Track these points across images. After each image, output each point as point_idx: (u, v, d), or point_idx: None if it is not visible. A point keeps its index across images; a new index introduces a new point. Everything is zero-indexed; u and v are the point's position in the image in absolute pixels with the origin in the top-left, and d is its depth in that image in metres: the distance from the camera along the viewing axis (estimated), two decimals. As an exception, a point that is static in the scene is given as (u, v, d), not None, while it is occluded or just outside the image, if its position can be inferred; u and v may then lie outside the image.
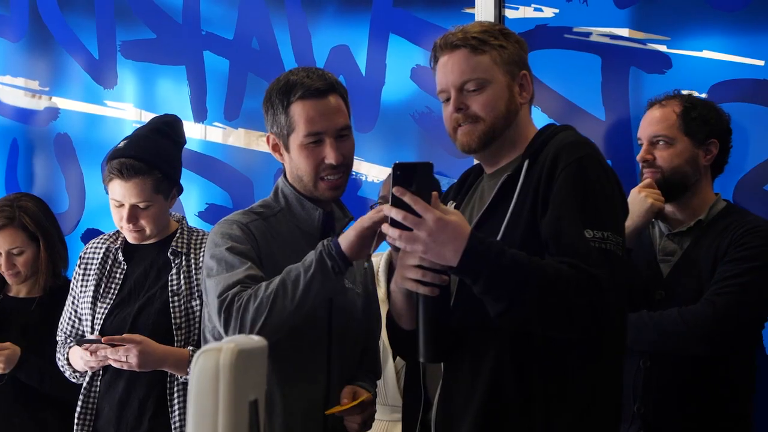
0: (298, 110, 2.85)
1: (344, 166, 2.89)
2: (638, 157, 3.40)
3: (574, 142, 2.59)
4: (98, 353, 3.47)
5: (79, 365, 3.61)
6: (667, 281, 3.35)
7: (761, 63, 3.70)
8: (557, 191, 2.50)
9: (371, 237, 2.62)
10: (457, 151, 3.89)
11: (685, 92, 3.47)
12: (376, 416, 3.58)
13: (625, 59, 3.94)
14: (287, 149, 2.90)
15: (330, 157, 2.84)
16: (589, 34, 4.00)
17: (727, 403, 3.29)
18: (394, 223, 2.38)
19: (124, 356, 3.44)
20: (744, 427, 3.35)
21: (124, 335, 3.46)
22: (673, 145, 3.36)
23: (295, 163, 2.89)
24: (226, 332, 2.67)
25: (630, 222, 3.24)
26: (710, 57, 3.80)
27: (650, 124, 3.41)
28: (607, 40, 3.98)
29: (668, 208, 3.38)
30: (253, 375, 2.09)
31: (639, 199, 3.31)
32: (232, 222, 2.88)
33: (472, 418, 2.53)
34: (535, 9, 4.07)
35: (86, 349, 3.49)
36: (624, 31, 3.94)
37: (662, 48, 3.87)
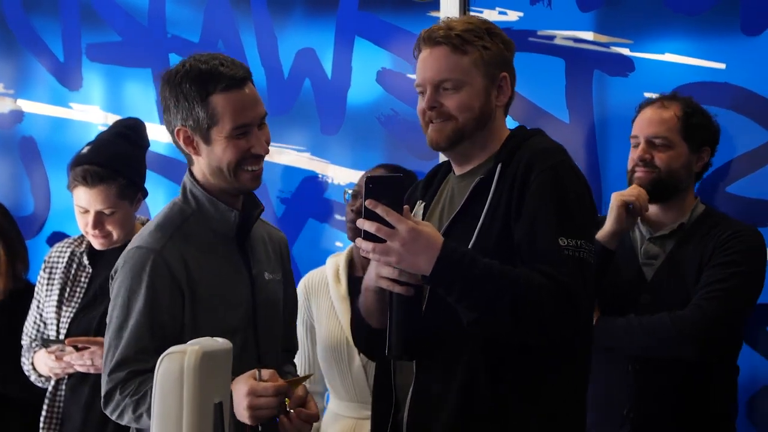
0: (221, 102, 2.73)
1: (265, 154, 2.82)
2: (636, 156, 3.39)
3: (548, 149, 2.61)
4: (63, 359, 3.46)
5: (44, 370, 3.60)
6: (652, 285, 3.36)
7: (722, 66, 3.73)
8: (531, 198, 2.50)
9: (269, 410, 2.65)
10: (422, 153, 3.92)
11: (661, 94, 3.50)
12: (345, 413, 3.60)
13: (588, 62, 3.95)
14: (207, 142, 2.77)
15: (257, 148, 2.77)
16: (553, 37, 4.02)
17: (713, 405, 3.32)
18: (367, 236, 2.40)
19: (89, 360, 3.43)
20: (728, 428, 3.39)
21: (88, 337, 3.46)
22: (672, 148, 3.37)
23: (216, 156, 2.76)
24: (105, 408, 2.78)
25: (607, 224, 3.27)
26: (672, 60, 3.82)
27: (650, 124, 3.41)
28: (570, 43, 4.00)
29: (651, 210, 3.40)
30: (218, 377, 2.10)
31: (613, 199, 3.33)
32: (147, 255, 2.77)
33: (445, 421, 2.54)
34: (500, 12, 4.09)
35: (51, 353, 3.48)
36: (588, 35, 3.96)
37: (625, 51, 3.89)
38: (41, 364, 3.59)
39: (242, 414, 2.58)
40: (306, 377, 2.83)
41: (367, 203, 2.39)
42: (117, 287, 2.79)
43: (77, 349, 3.46)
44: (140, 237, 2.84)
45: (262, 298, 2.88)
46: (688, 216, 3.40)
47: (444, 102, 2.63)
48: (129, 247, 2.83)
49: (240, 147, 2.76)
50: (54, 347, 3.49)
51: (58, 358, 3.47)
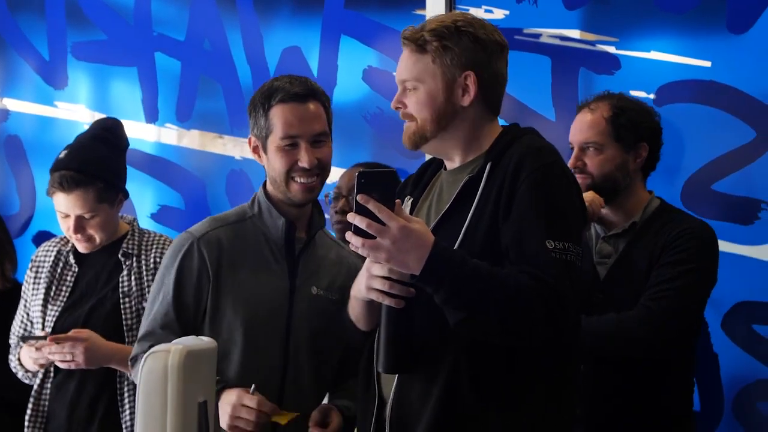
0: (278, 113, 2.92)
1: (318, 169, 2.93)
2: (568, 164, 3.36)
3: (538, 149, 2.57)
4: (44, 350, 3.45)
5: (29, 365, 3.59)
6: (604, 283, 3.35)
7: (708, 64, 3.74)
8: (520, 198, 2.48)
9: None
10: (408, 152, 3.91)
11: (614, 93, 3.46)
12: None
13: (574, 60, 3.96)
14: (265, 151, 2.96)
15: (303, 161, 2.90)
16: (539, 35, 4.02)
17: (668, 404, 3.29)
18: (358, 231, 2.38)
19: (69, 354, 3.42)
20: (686, 427, 3.37)
21: (70, 332, 3.45)
22: (602, 152, 3.35)
23: (271, 164, 2.95)
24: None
25: None
26: (658, 58, 3.83)
27: (580, 130, 3.40)
28: (556, 41, 4.00)
29: (603, 210, 3.38)
30: (202, 376, 2.10)
31: None
32: (188, 238, 2.98)
33: (427, 422, 2.54)
34: (486, 11, 4.09)
35: (31, 346, 3.48)
36: (573, 33, 3.97)
37: (611, 49, 3.90)
38: (26, 358, 3.58)
39: (223, 420, 2.72)
40: (295, 415, 2.84)
41: (359, 198, 2.36)
42: (161, 264, 3.02)
43: (58, 343, 3.45)
44: (196, 224, 3.05)
45: (300, 310, 2.95)
46: (640, 214, 3.38)
47: (406, 102, 2.64)
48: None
49: (287, 158, 2.92)
50: (35, 343, 3.47)
51: (39, 350, 3.46)
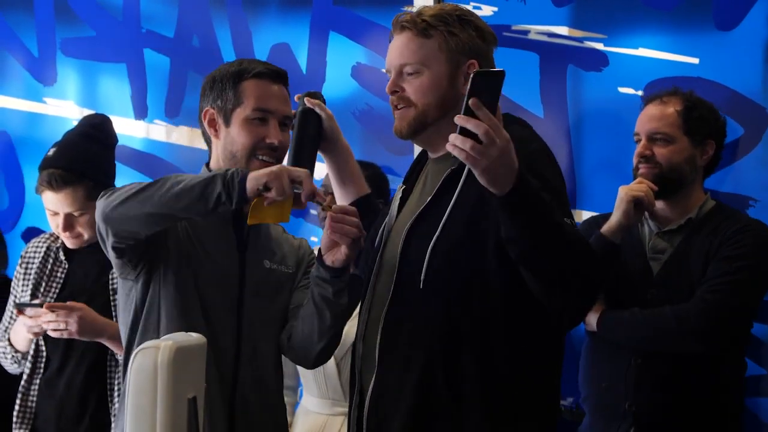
0: (251, 86, 2.82)
1: (281, 152, 2.84)
2: (637, 152, 3.39)
3: (520, 139, 2.55)
4: (38, 318, 3.45)
5: (22, 338, 3.58)
6: (658, 279, 3.37)
7: (695, 61, 3.75)
8: None
9: (279, 184, 2.55)
10: (397, 149, 3.93)
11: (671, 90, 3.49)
12: (317, 410, 3.60)
13: (563, 57, 3.97)
14: (227, 123, 2.83)
15: (272, 137, 2.80)
16: (527, 32, 4.03)
17: (718, 401, 3.32)
18: (465, 132, 2.30)
19: (63, 322, 3.42)
20: (735, 426, 3.39)
21: (66, 303, 3.46)
22: (672, 143, 3.38)
23: (232, 138, 2.81)
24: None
25: (614, 218, 3.28)
26: (646, 55, 3.84)
27: (650, 120, 3.41)
28: (545, 38, 4.01)
29: (658, 205, 3.39)
30: (192, 372, 2.10)
31: (620, 194, 3.33)
32: None
33: (401, 419, 2.54)
34: (474, 7, 4.08)
35: (27, 314, 3.47)
36: (562, 30, 3.97)
37: (599, 46, 3.91)
38: (19, 330, 3.56)
39: (258, 173, 2.57)
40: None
41: (471, 103, 2.28)
42: None
43: (54, 313, 3.45)
44: None
45: (253, 282, 2.84)
46: (696, 211, 3.40)
47: (405, 87, 2.63)
48: None
49: (255, 132, 2.80)
50: (30, 311, 3.47)
51: (33, 317, 3.46)
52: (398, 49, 2.65)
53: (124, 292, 2.84)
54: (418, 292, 2.56)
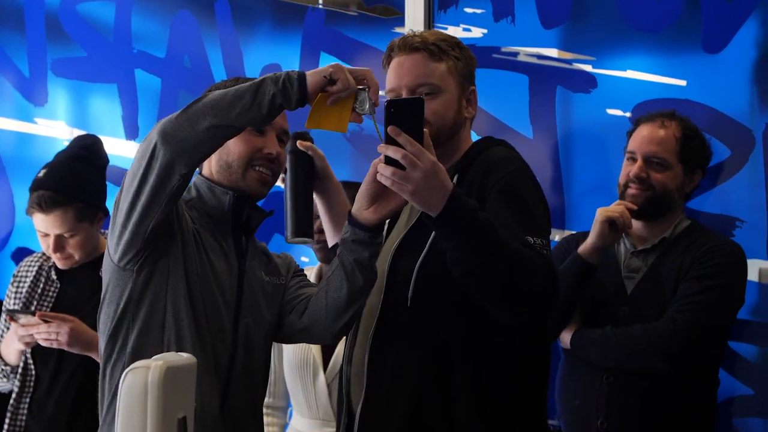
0: None
1: (277, 165, 2.79)
2: (632, 173, 3.41)
3: (503, 158, 2.64)
4: (30, 328, 3.45)
5: (13, 350, 3.58)
6: (631, 298, 3.39)
7: (683, 83, 3.77)
8: (492, 203, 2.53)
9: (344, 77, 2.52)
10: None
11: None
12: (306, 431, 3.60)
13: (552, 79, 3.99)
14: None
15: (270, 147, 2.75)
16: (516, 54, 4.05)
17: (689, 418, 3.33)
18: (389, 161, 2.35)
19: (54, 332, 3.42)
20: None
21: (57, 313, 3.46)
22: (669, 169, 3.40)
23: (228, 148, 2.73)
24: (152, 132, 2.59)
25: (590, 239, 3.30)
26: (634, 77, 3.86)
27: (650, 143, 3.42)
28: (534, 59, 4.03)
29: (634, 225, 3.43)
30: (182, 392, 2.11)
31: (597, 215, 3.36)
32: None
33: None
34: (464, 29, 4.12)
35: (19, 322, 3.47)
36: (551, 51, 4.00)
37: (588, 68, 3.93)
38: (10, 341, 3.56)
39: (317, 69, 2.54)
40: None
41: (390, 130, 2.34)
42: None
43: (46, 322, 3.45)
44: None
45: (250, 293, 2.78)
46: (671, 230, 3.43)
47: None
48: None
49: (253, 143, 2.74)
50: (22, 320, 3.47)
51: (24, 326, 3.46)
52: (411, 69, 2.68)
53: (115, 284, 2.68)
54: (406, 310, 2.57)
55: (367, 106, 2.55)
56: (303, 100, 2.51)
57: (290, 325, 2.83)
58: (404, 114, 2.37)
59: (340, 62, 4.35)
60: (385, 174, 2.34)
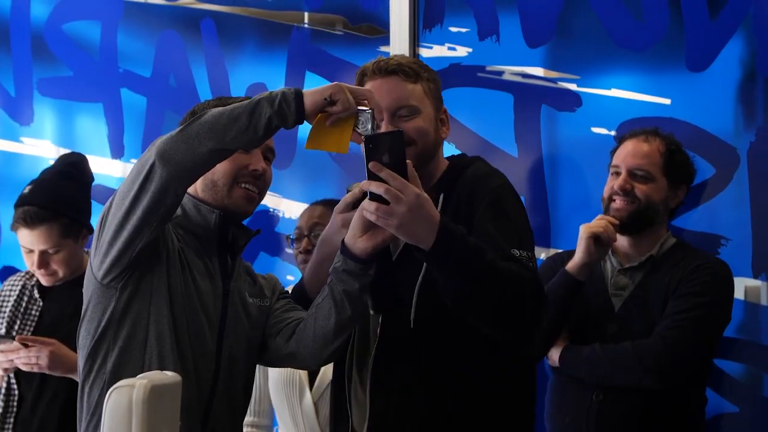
0: None
1: (263, 182, 2.78)
2: (617, 186, 3.42)
3: (486, 174, 2.68)
4: (9, 354, 3.44)
5: None
6: (619, 315, 3.40)
7: (668, 101, 3.79)
8: (479, 220, 2.55)
9: (344, 97, 2.48)
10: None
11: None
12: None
13: (536, 97, 4.00)
14: None
15: (255, 164, 2.74)
16: (501, 72, 4.06)
17: None
18: (373, 197, 2.34)
19: (34, 357, 3.42)
20: None
21: (37, 337, 3.46)
22: (653, 182, 3.42)
23: (215, 167, 2.67)
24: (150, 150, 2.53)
25: (577, 256, 3.31)
26: (619, 95, 3.88)
27: (635, 156, 3.44)
28: (519, 78, 4.04)
29: (622, 242, 3.45)
30: (167, 411, 2.10)
31: (581, 232, 3.38)
32: None
33: None
34: (449, 48, 4.13)
35: None
36: (536, 70, 4.01)
37: (572, 86, 3.94)
38: None
39: (315, 88, 2.51)
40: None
41: (370, 166, 2.33)
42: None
43: (26, 347, 3.44)
44: None
45: (233, 314, 2.75)
46: (657, 248, 3.44)
47: (403, 127, 2.62)
48: None
49: (239, 160, 2.72)
50: (1, 345, 3.46)
51: (3, 352, 3.45)
52: (390, 92, 2.68)
53: (96, 301, 2.66)
54: (408, 331, 2.56)
55: (370, 127, 2.51)
56: (300, 120, 2.49)
57: (276, 349, 2.80)
58: (384, 148, 2.35)
59: (326, 81, 4.38)
60: (370, 209, 2.34)
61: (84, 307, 2.71)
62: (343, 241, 2.55)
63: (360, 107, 2.52)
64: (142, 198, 2.53)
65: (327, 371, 3.01)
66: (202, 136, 2.48)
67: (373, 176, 2.34)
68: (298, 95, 2.47)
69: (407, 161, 2.37)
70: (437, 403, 2.55)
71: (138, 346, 2.62)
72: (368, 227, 2.49)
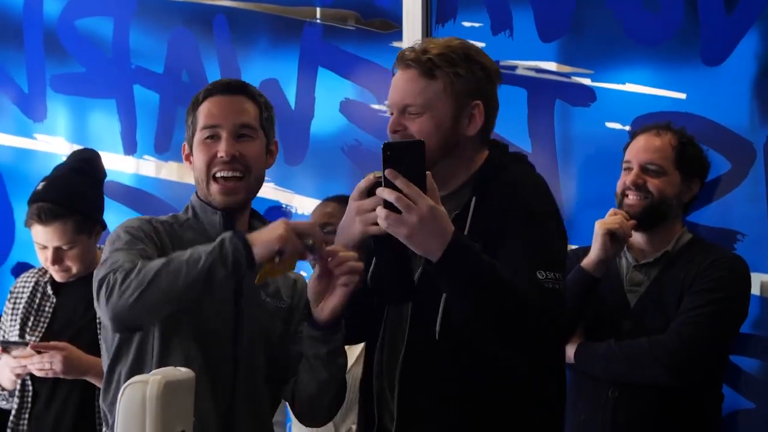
0: (203, 109, 2.71)
1: (240, 165, 2.69)
2: (629, 181, 3.40)
3: (521, 183, 2.58)
4: (22, 360, 3.45)
5: (6, 378, 3.57)
6: (634, 312, 3.38)
7: (683, 96, 3.77)
8: (509, 232, 2.47)
9: (292, 245, 2.46)
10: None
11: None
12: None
13: (550, 92, 3.99)
14: (192, 151, 2.75)
15: (221, 150, 2.66)
16: (515, 67, 4.05)
17: None
18: (387, 205, 2.30)
19: (48, 362, 3.42)
20: None
21: (49, 342, 3.45)
22: (665, 175, 3.40)
23: (195, 165, 2.72)
24: (99, 301, 2.54)
25: (593, 253, 3.29)
26: (634, 90, 3.86)
27: (646, 150, 3.42)
28: (532, 73, 4.03)
29: (637, 238, 3.43)
30: (180, 406, 2.10)
31: (596, 228, 3.35)
32: (136, 219, 2.76)
33: None
34: (462, 43, 4.12)
35: (11, 354, 3.46)
36: (549, 65, 4.00)
37: (587, 81, 3.93)
38: (3, 370, 3.55)
39: (263, 238, 2.48)
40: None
41: (387, 173, 2.29)
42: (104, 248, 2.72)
43: (39, 353, 3.44)
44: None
45: (248, 313, 2.71)
46: (673, 244, 3.42)
47: (408, 126, 2.56)
48: None
49: (207, 150, 2.68)
50: (15, 351, 3.46)
51: (17, 358, 3.45)
52: (401, 87, 2.59)
53: None
54: (434, 344, 2.52)
55: (315, 249, 2.50)
56: (251, 270, 2.48)
57: (291, 404, 2.81)
58: (402, 156, 2.31)
59: (338, 77, 4.37)
60: (381, 216, 2.31)
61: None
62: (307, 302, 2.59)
63: (305, 240, 2.49)
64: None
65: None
66: (161, 301, 2.49)
67: (389, 183, 2.30)
68: (249, 255, 2.44)
69: (427, 172, 2.32)
70: (466, 418, 2.52)
71: (153, 348, 2.63)
72: (321, 295, 2.52)
